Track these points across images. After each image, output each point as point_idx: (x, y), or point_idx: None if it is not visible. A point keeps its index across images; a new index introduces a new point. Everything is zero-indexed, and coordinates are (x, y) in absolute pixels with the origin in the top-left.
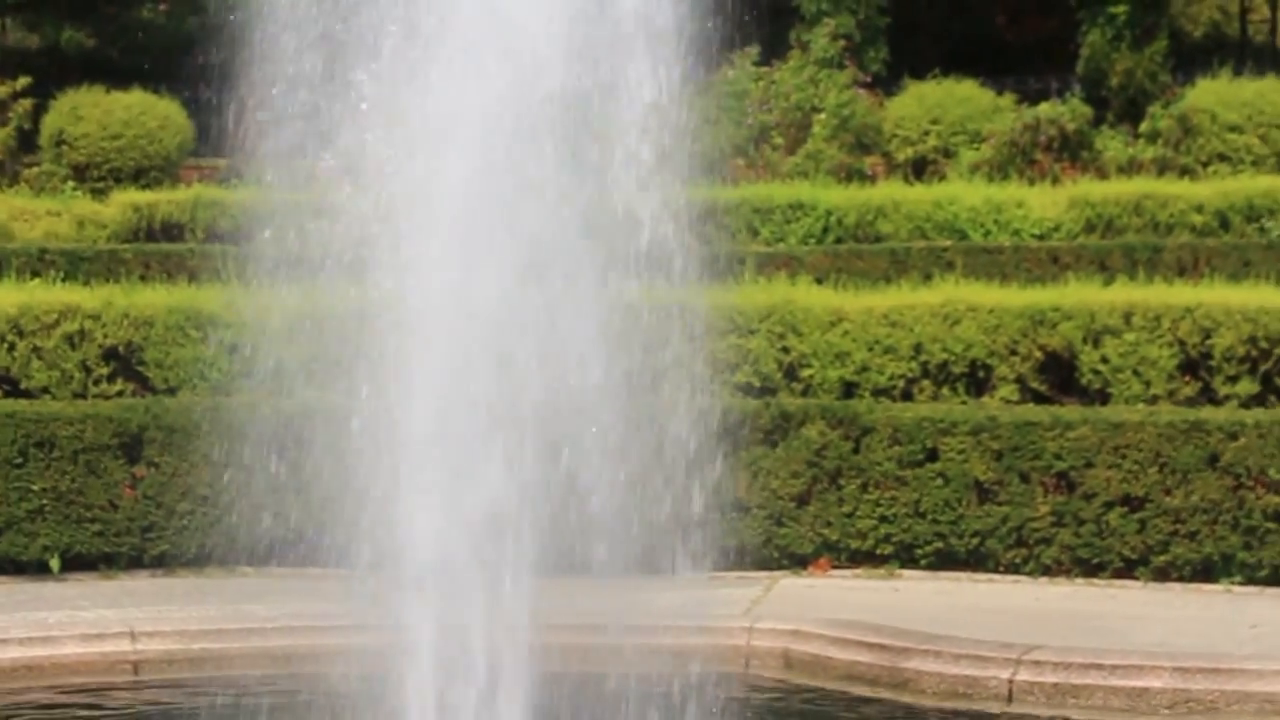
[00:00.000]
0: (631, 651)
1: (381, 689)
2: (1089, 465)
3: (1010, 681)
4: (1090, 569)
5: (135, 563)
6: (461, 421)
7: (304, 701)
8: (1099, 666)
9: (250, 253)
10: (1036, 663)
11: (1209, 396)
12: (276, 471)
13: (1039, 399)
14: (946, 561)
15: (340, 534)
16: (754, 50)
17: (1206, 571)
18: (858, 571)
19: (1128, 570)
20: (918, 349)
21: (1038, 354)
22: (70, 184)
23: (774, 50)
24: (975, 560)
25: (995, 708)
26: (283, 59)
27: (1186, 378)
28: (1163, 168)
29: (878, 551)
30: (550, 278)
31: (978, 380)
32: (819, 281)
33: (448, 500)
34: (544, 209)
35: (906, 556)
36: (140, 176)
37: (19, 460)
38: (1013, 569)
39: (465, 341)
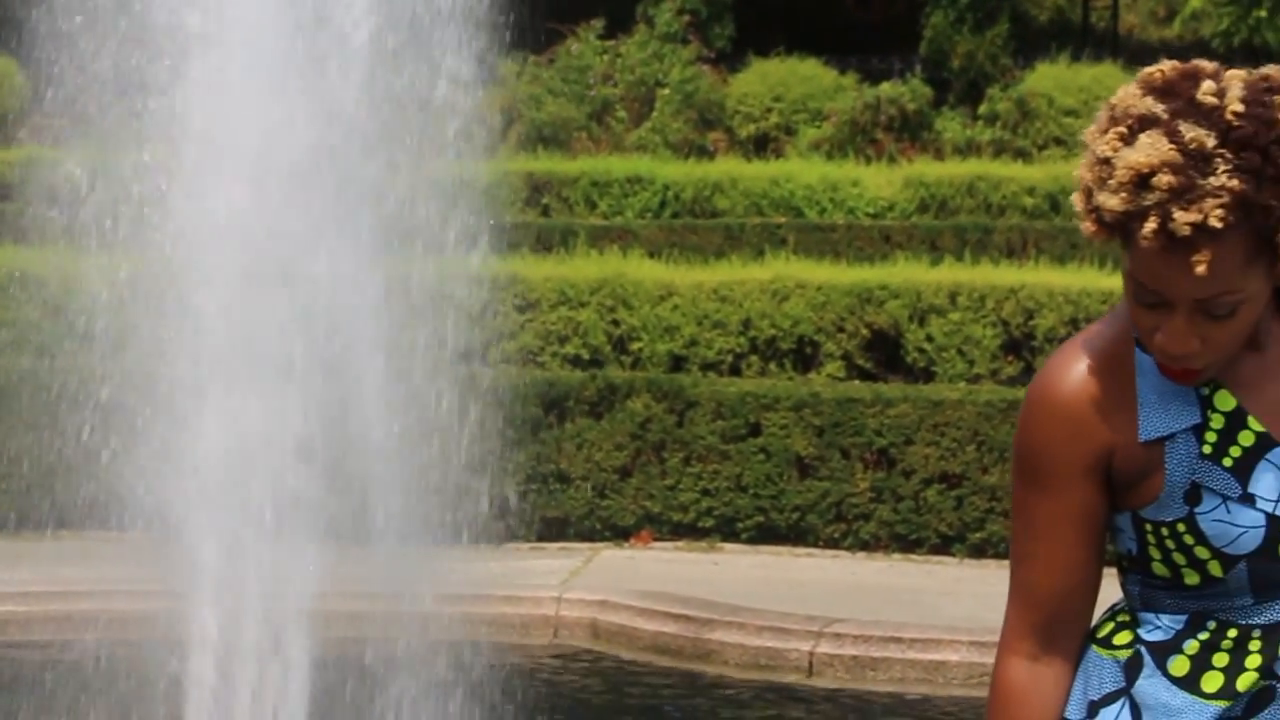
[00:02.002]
0: (436, 620)
1: (171, 655)
2: (909, 442)
3: (811, 654)
4: (908, 545)
5: None
6: (255, 382)
7: (95, 663)
8: (898, 640)
9: (68, 216)
10: (837, 635)
11: (1031, 376)
12: (87, 436)
13: (865, 376)
14: (767, 536)
15: (146, 499)
16: (598, 24)
17: None
18: (679, 544)
19: (944, 546)
20: (746, 324)
21: (864, 331)
22: None
23: (619, 24)
24: (795, 535)
25: (795, 679)
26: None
27: (1009, 357)
28: (1000, 150)
29: (699, 525)
30: (351, 244)
31: (805, 356)
32: (652, 256)
33: (238, 466)
34: (348, 179)
35: (728, 530)
36: None
37: None
38: (832, 544)
39: (257, 297)
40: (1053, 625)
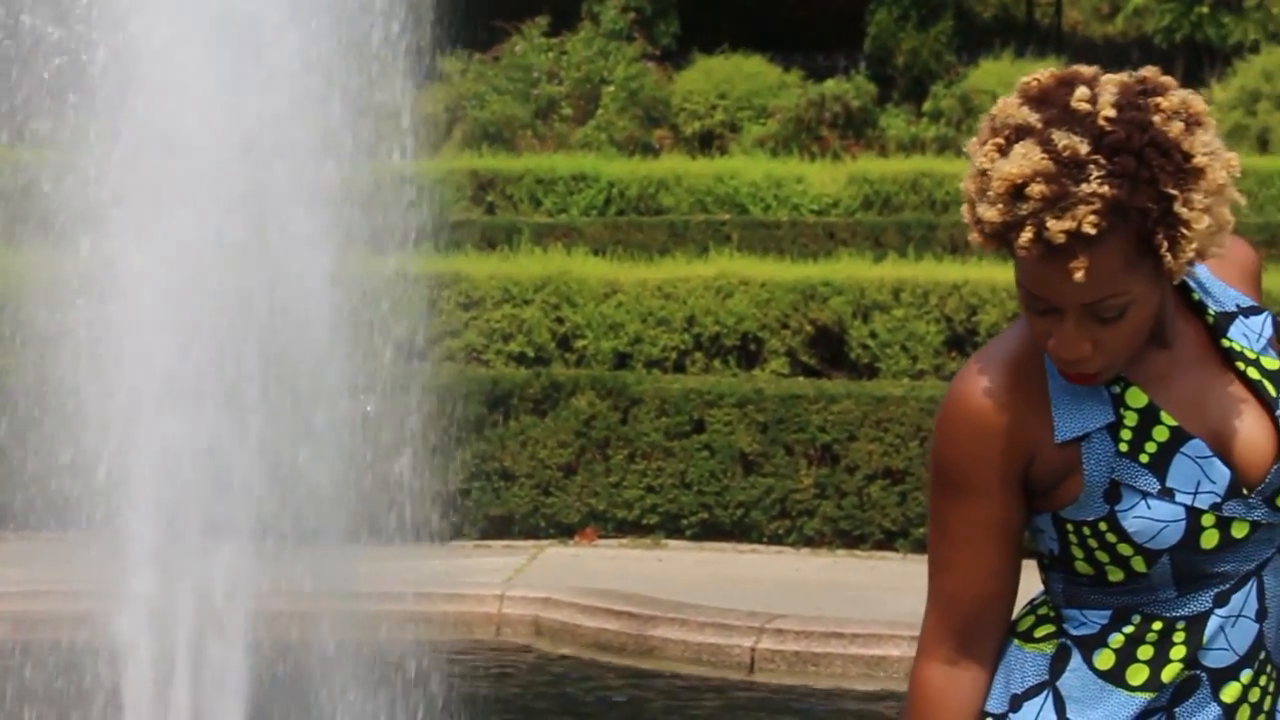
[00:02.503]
0: (377, 618)
1: (105, 656)
2: (852, 438)
3: (753, 650)
4: (851, 541)
5: None
6: (194, 381)
7: (26, 664)
8: (839, 635)
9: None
10: (779, 631)
11: None
12: (29, 436)
13: (809, 373)
14: (711, 532)
15: (86, 499)
16: (543, 21)
17: None
18: (624, 541)
19: (888, 542)
20: (690, 321)
21: (808, 328)
22: None
23: (564, 21)
24: (740, 531)
25: (737, 675)
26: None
27: (953, 354)
28: (944, 146)
29: (644, 522)
30: (294, 243)
31: (749, 353)
32: (597, 253)
33: (176, 464)
34: (290, 178)
35: (672, 527)
36: None
37: None
38: (776, 540)
39: (195, 295)
40: (971, 631)
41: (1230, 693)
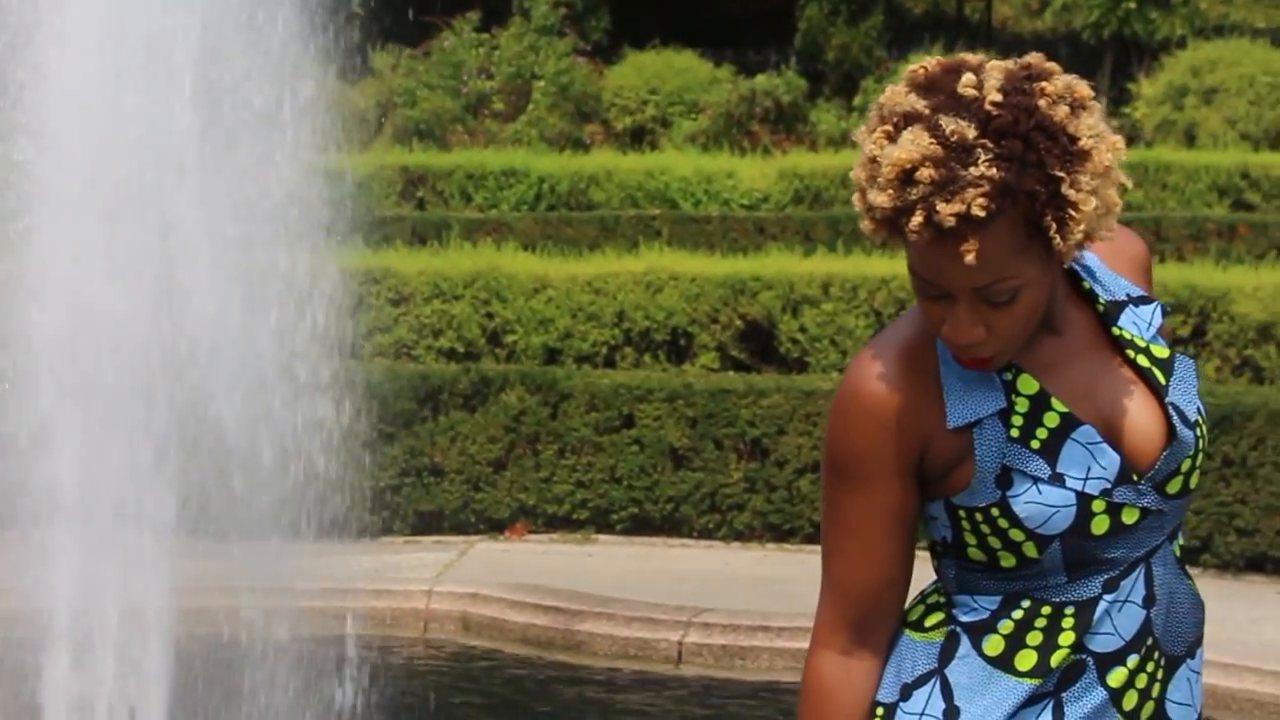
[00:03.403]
0: (304, 614)
1: (29, 652)
2: (781, 432)
3: (680, 643)
4: (781, 534)
5: None
6: (125, 375)
7: None
8: (766, 629)
9: None
10: (706, 625)
11: None
12: None
13: (739, 367)
14: (642, 527)
15: (5, 496)
16: (474, 17)
17: None
18: (554, 536)
19: (817, 536)
20: (620, 316)
21: (738, 323)
22: None
23: (495, 17)
24: (670, 526)
25: (665, 669)
26: None
27: None
28: None
29: (574, 517)
30: (223, 238)
31: (679, 348)
32: (527, 248)
33: (99, 459)
34: (218, 171)
35: (602, 522)
36: None
37: None
38: (706, 534)
39: (121, 288)
40: (865, 620)
41: (1116, 677)
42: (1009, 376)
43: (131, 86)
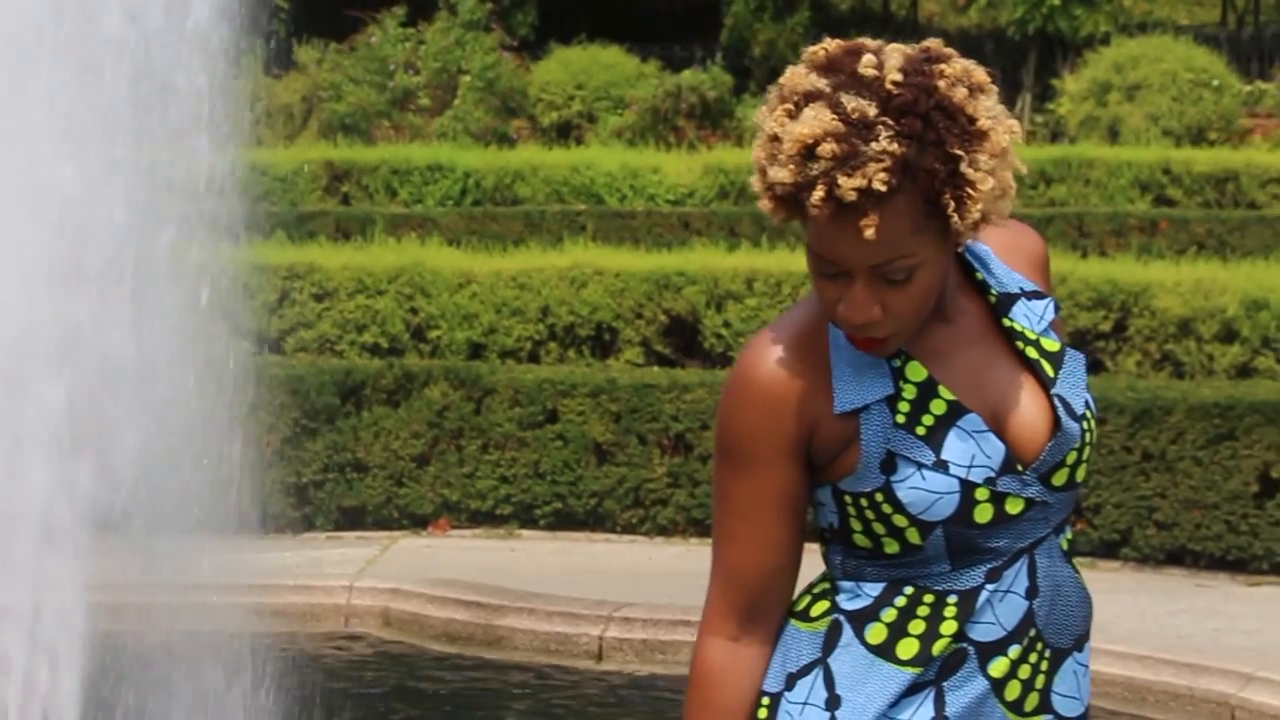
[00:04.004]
0: (223, 611)
1: None
2: (705, 427)
3: (600, 638)
4: (704, 529)
5: None
6: (36, 369)
7: None
8: (687, 623)
9: None
10: (627, 620)
11: None
12: None
13: (664, 362)
14: (565, 522)
15: None
16: (400, 11)
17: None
18: (477, 531)
19: None
20: (545, 311)
21: (663, 318)
22: None
23: (421, 12)
24: (594, 521)
25: (585, 664)
26: None
27: None
28: None
29: (498, 512)
30: (143, 231)
31: (604, 343)
32: (452, 244)
33: (14, 453)
34: (140, 164)
35: (526, 517)
36: None
37: None
38: (630, 529)
39: (31, 282)
40: (755, 606)
41: (998, 668)
42: (898, 363)
43: (76, 74)
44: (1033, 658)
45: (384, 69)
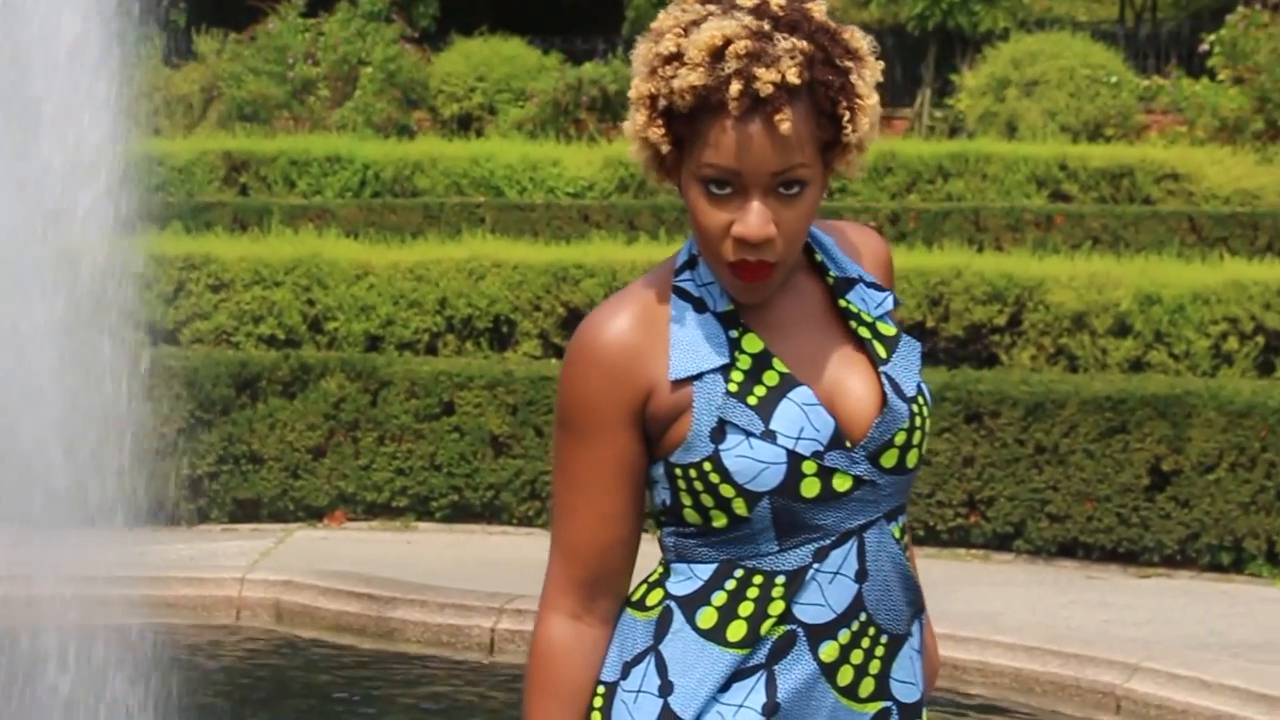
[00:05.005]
0: (114, 603)
1: None
2: None
3: (492, 630)
4: None
5: None
6: None
7: None
8: None
9: None
10: (519, 612)
11: None
12: None
13: (561, 354)
14: (462, 514)
15: None
16: (300, 1)
17: None
18: (373, 524)
19: None
20: (443, 303)
21: (560, 310)
22: None
23: (321, 2)
24: (490, 513)
25: (477, 656)
26: None
27: None
28: None
29: (394, 504)
30: (35, 222)
31: (502, 335)
32: (351, 235)
33: None
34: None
35: (422, 509)
36: None
37: None
38: (526, 521)
39: None
40: (595, 582)
41: (828, 651)
42: (735, 334)
43: None
44: (865, 643)
45: (284, 59)
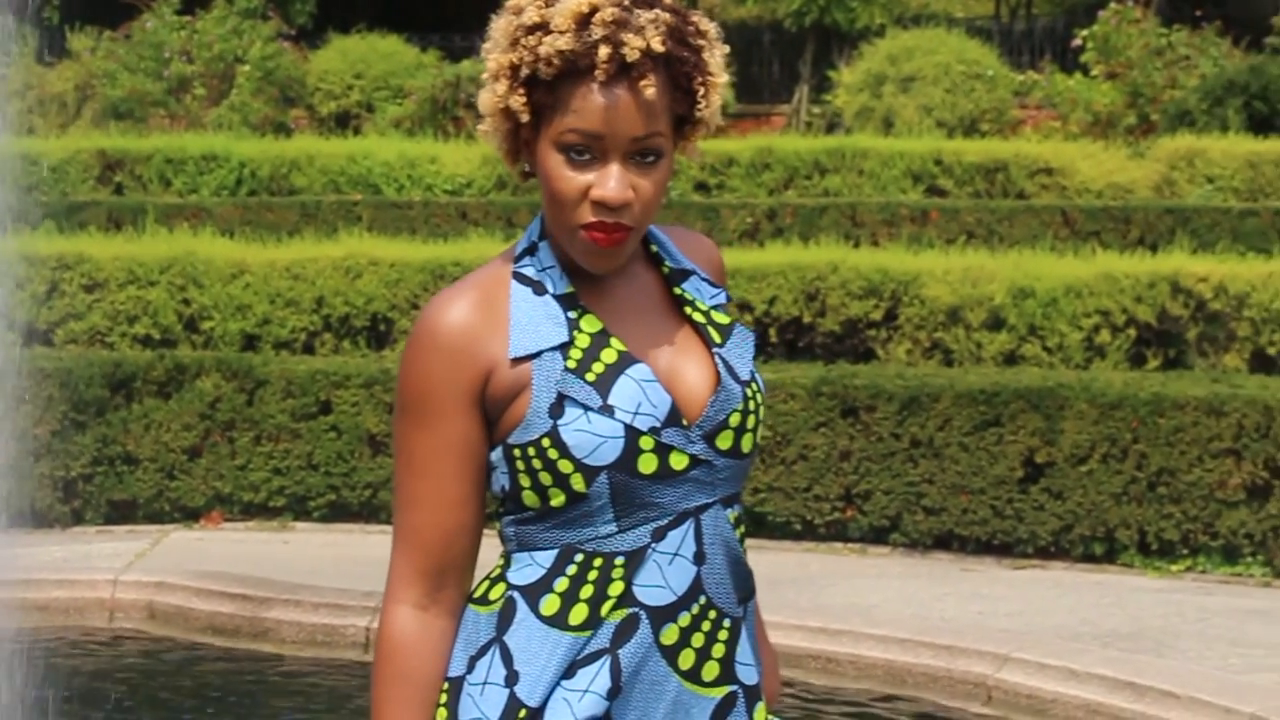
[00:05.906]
0: None
1: None
2: None
3: (368, 629)
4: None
5: None
6: None
7: None
8: None
9: None
10: None
11: None
12: None
13: None
14: (339, 514)
15: None
16: None
17: None
18: (250, 524)
19: None
20: (320, 302)
21: None
22: None
23: (197, 0)
24: (368, 512)
25: (352, 655)
26: None
27: None
28: None
29: (271, 504)
30: None
31: (379, 334)
32: (227, 234)
33: None
34: None
35: (300, 509)
36: None
37: None
38: None
39: None
40: (441, 570)
41: (669, 635)
42: (574, 315)
43: None
44: (706, 626)
45: (159, 57)
